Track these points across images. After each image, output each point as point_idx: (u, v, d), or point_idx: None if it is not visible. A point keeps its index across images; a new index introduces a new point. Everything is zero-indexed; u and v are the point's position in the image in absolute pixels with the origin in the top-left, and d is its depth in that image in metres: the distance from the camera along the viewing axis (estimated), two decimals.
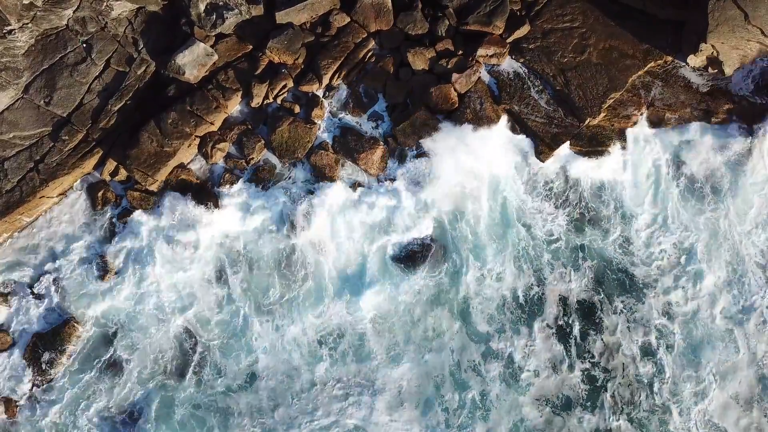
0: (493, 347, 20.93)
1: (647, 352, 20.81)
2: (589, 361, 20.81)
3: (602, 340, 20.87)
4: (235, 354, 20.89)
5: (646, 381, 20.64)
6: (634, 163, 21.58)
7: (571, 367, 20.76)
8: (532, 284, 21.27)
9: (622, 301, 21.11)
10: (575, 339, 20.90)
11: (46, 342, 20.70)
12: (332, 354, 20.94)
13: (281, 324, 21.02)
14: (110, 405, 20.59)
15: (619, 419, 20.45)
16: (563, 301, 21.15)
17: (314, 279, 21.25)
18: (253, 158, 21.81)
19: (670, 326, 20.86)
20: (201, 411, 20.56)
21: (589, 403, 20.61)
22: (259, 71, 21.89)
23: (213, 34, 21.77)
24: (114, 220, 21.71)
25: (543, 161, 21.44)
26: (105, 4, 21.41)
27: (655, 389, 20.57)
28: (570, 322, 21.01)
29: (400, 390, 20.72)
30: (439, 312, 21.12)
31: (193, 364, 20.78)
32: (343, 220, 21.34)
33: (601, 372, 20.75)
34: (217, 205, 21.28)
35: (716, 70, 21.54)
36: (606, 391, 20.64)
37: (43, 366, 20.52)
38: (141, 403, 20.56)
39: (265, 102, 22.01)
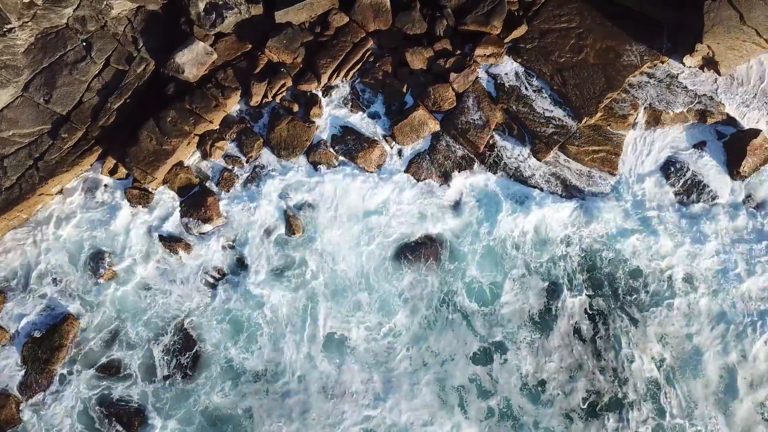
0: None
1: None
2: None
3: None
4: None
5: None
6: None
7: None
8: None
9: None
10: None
11: (45, 338, 20.69)
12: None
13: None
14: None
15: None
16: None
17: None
18: (252, 156, 21.95)
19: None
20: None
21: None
22: (258, 70, 22.01)
23: (212, 33, 21.89)
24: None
25: (540, 160, 21.56)
26: (105, 3, 21.53)
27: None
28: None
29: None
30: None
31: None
32: None
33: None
34: None
35: (712, 71, 21.75)
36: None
37: (42, 361, 20.56)
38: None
39: (264, 101, 22.11)
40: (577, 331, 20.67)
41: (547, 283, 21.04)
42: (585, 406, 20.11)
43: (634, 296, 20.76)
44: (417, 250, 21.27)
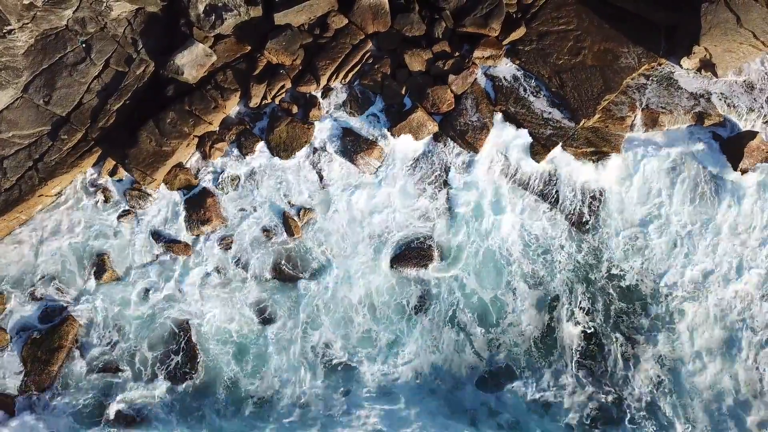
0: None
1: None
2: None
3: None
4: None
5: None
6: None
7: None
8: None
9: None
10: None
11: (44, 339, 20.71)
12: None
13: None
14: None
15: None
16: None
17: None
18: (251, 157, 21.98)
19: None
20: None
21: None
22: (257, 72, 22.07)
23: (212, 34, 21.94)
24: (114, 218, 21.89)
25: (538, 162, 21.64)
26: (104, 4, 21.58)
27: None
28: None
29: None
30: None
31: None
32: None
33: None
34: None
35: (709, 73, 21.85)
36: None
37: (41, 362, 20.56)
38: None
39: (263, 102, 22.16)
40: (577, 345, 20.74)
41: (546, 294, 21.06)
42: (588, 422, 20.03)
43: (634, 316, 20.71)
44: (417, 252, 21.36)
